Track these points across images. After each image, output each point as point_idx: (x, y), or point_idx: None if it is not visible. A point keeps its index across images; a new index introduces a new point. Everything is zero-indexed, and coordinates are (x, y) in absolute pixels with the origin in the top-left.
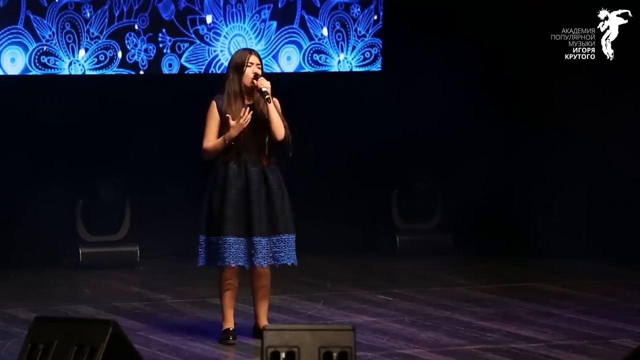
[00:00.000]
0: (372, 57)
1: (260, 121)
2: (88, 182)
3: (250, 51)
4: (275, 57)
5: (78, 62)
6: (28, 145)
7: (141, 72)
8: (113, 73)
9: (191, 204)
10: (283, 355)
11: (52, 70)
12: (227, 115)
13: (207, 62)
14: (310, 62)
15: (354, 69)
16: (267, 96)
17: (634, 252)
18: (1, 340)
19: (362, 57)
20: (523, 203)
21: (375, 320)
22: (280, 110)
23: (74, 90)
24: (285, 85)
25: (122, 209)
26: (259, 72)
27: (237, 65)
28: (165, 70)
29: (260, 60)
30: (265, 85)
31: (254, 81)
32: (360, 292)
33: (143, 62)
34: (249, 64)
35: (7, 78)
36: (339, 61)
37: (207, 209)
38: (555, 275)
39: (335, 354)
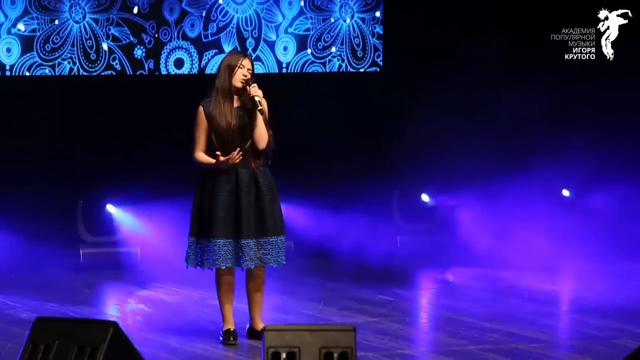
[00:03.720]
0: (374, 2)
1: (247, 123)
2: (89, 183)
3: (244, 54)
4: (277, 3)
5: (79, 5)
6: (29, 145)
7: (142, 12)
8: (115, 17)
9: (192, 205)
10: (284, 355)
11: (53, 14)
12: (217, 153)
13: (208, 7)
14: (312, 7)
15: (356, 15)
16: (259, 107)
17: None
18: (2, 341)
19: (363, 2)
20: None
21: (376, 321)
22: (267, 112)
23: (76, 89)
24: (284, 85)
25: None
26: (249, 76)
27: (229, 65)
28: (167, 15)
29: (252, 65)
30: (258, 93)
31: (247, 87)
32: (360, 292)
33: (144, 5)
34: (240, 66)
35: (8, 78)
36: (341, 6)
37: (196, 211)
38: (556, 275)
39: (336, 355)
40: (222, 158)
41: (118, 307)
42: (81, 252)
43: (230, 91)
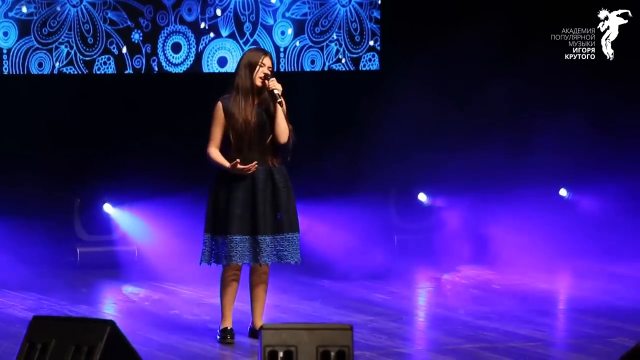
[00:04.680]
0: None
1: (267, 122)
2: (86, 181)
3: (265, 52)
4: None
5: None
6: (26, 143)
7: None
8: (112, 1)
9: (189, 203)
10: (281, 354)
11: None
12: (237, 160)
13: None
14: None
15: (353, 2)
16: (279, 100)
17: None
18: None
19: None
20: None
21: (373, 319)
22: (285, 111)
23: (72, 87)
24: (279, 82)
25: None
26: (269, 73)
27: (250, 63)
28: (167, 2)
29: (272, 63)
30: (277, 87)
31: (266, 82)
32: (357, 291)
33: None
34: (261, 64)
35: (2, 77)
36: None
37: (212, 208)
38: (552, 274)
39: (333, 353)
40: (240, 166)
41: (115, 305)
42: (78, 250)
43: (252, 90)
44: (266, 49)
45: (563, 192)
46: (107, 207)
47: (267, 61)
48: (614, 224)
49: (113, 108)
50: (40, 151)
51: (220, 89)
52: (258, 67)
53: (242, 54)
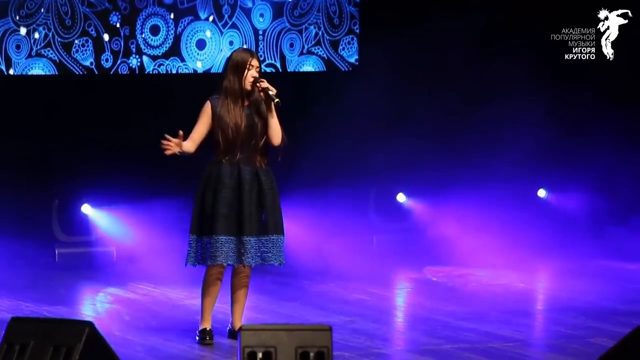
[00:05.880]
0: None
1: (257, 124)
2: (64, 182)
3: (252, 53)
4: None
5: None
6: (3, 143)
7: None
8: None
9: (168, 204)
10: (260, 355)
11: None
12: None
13: None
14: None
15: None
16: (276, 100)
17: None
18: None
19: None
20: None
21: (352, 320)
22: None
23: (49, 88)
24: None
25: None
26: (257, 75)
27: (238, 66)
28: None
29: (260, 63)
30: (271, 88)
31: (258, 84)
32: (337, 291)
33: None
34: (249, 67)
35: None
36: None
37: (199, 208)
38: (531, 274)
39: (312, 354)
40: (164, 142)
41: (94, 307)
42: (56, 251)
43: (242, 93)
44: (245, 32)
45: (542, 192)
46: (86, 208)
47: (254, 62)
48: (596, 224)
49: (92, 108)
50: (18, 151)
51: (204, 89)
52: (246, 70)
53: (228, 56)
